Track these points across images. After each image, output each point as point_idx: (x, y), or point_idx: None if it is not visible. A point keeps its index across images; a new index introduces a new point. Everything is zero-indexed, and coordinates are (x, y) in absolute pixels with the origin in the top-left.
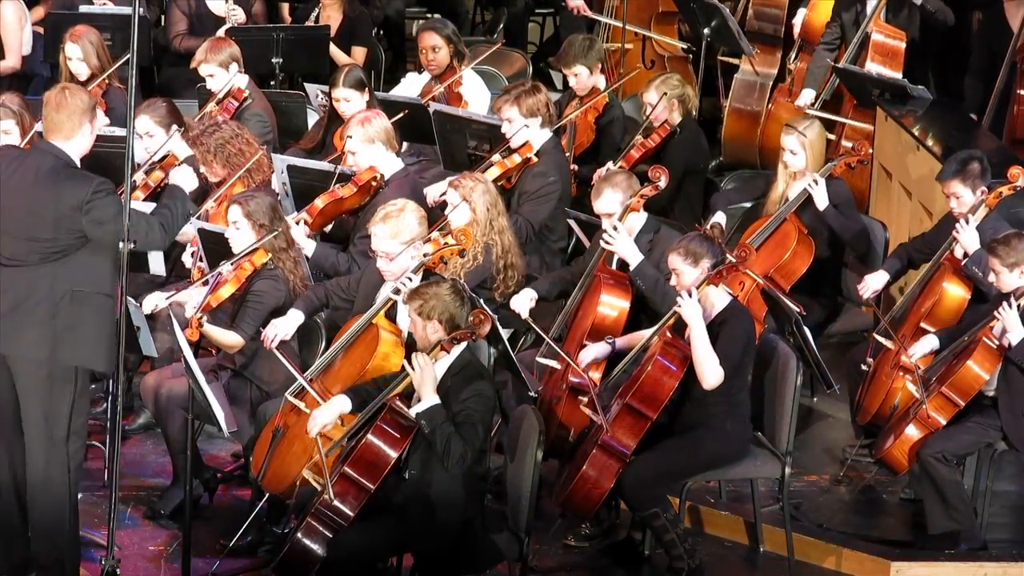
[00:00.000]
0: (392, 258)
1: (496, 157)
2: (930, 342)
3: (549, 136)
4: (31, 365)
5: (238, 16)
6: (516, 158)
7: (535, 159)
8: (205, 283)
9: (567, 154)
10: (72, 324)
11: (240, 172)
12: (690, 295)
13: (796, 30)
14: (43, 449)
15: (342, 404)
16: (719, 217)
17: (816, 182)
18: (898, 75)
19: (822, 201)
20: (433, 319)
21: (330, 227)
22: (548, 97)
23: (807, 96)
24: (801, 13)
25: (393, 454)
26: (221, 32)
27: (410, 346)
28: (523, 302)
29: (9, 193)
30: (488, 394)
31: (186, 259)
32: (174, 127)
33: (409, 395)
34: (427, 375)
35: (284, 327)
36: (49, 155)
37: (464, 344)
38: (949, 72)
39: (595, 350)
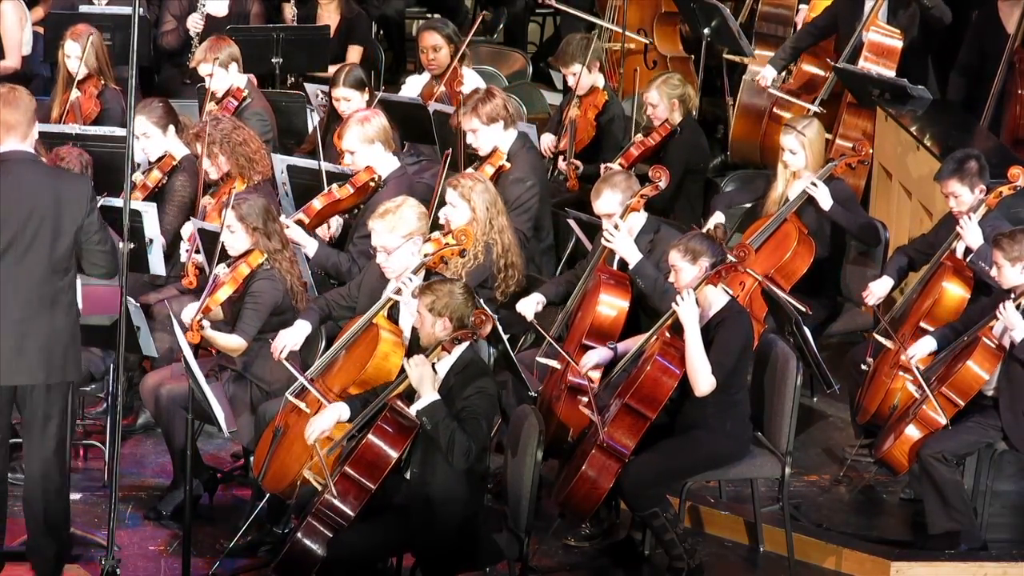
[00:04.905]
0: (390, 252)
1: (469, 171)
2: (928, 344)
3: (515, 137)
4: (55, 387)
5: (196, 25)
6: (488, 168)
7: (507, 165)
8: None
9: (568, 152)
10: (72, 335)
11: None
12: (687, 296)
13: (797, 29)
14: (55, 455)
15: (340, 411)
16: (718, 217)
17: (815, 184)
18: (891, 73)
19: (826, 201)
20: (444, 316)
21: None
22: (505, 99)
23: (768, 73)
24: (803, 10)
25: (393, 454)
26: (195, 25)
27: (411, 347)
28: (529, 306)
29: (4, 209)
30: (491, 391)
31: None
32: (171, 128)
33: (410, 396)
34: (425, 373)
35: (292, 338)
36: (28, 158)
37: (465, 344)
38: (949, 72)
39: (597, 355)
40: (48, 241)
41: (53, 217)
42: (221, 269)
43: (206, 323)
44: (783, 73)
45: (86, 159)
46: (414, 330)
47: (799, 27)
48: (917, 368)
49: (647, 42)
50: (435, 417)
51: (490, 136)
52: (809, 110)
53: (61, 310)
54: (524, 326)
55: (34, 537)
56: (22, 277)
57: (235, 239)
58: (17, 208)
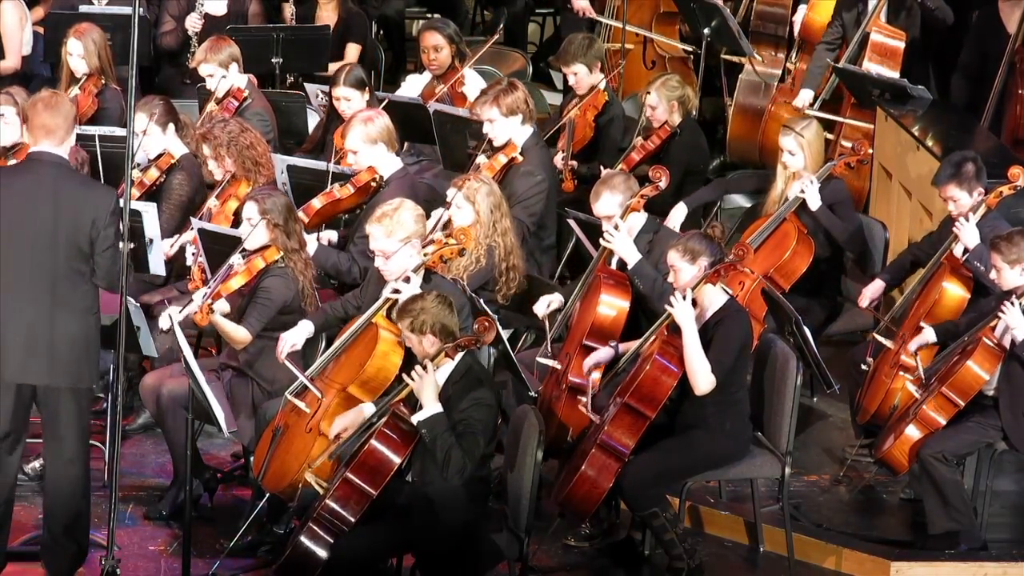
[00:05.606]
0: (388, 256)
1: (482, 159)
2: (927, 335)
3: (531, 133)
4: (66, 392)
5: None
6: (501, 158)
7: (520, 158)
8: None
9: (566, 152)
10: (87, 341)
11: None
12: (684, 297)
13: (796, 28)
14: (75, 458)
15: (367, 412)
16: (680, 209)
17: (812, 182)
18: (895, 75)
19: (814, 202)
20: (426, 333)
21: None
22: (526, 93)
23: (805, 96)
24: (802, 11)
25: (396, 459)
26: (193, 24)
27: (409, 352)
28: (541, 307)
29: (22, 206)
30: (489, 402)
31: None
32: (171, 126)
33: (414, 401)
34: (427, 383)
35: (293, 338)
36: (56, 162)
37: (467, 350)
38: (949, 72)
39: (598, 355)
40: (65, 246)
41: (73, 223)
42: (236, 259)
43: (216, 306)
44: (788, 77)
45: (82, 156)
46: None
47: (797, 27)
48: (918, 361)
49: (652, 36)
50: (435, 430)
51: (507, 128)
52: (844, 125)
53: (76, 315)
54: (524, 323)
55: (52, 538)
56: (37, 278)
57: (254, 233)
58: (37, 209)
